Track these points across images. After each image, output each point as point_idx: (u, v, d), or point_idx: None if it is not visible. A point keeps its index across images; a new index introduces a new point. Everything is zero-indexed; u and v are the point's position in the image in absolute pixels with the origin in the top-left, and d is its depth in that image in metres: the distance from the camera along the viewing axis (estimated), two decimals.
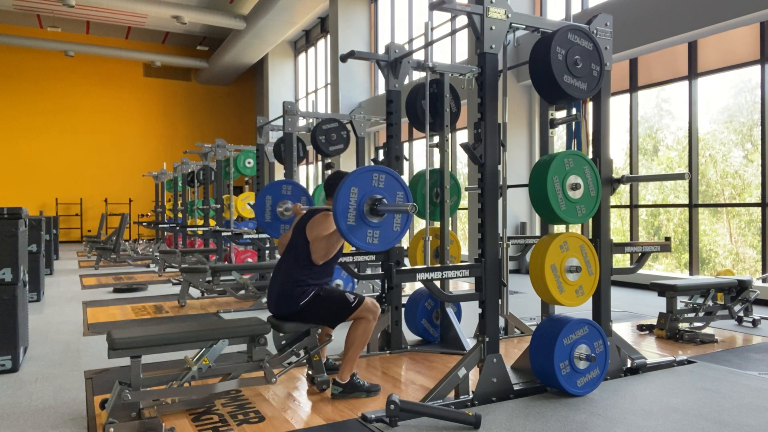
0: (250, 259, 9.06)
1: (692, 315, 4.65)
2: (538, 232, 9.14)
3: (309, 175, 17.28)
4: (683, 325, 4.65)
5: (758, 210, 6.67)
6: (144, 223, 15.26)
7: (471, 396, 3.00)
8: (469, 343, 4.14)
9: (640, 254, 3.75)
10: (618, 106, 8.16)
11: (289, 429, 2.75)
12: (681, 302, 4.76)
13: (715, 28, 6.52)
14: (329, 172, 7.06)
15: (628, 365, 3.56)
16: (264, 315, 3.34)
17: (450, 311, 4.30)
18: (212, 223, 9.90)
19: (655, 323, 4.72)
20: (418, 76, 8.95)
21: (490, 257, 3.07)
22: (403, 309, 4.30)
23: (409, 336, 4.46)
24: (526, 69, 8.68)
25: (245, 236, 6.86)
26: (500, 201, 3.20)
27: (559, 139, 3.94)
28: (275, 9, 14.23)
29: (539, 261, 3.11)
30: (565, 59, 3.10)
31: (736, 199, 7.26)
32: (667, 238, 3.82)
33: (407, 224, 3.00)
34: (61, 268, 10.69)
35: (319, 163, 15.66)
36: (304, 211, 3.44)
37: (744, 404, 3.02)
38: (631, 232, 8.02)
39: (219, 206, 9.04)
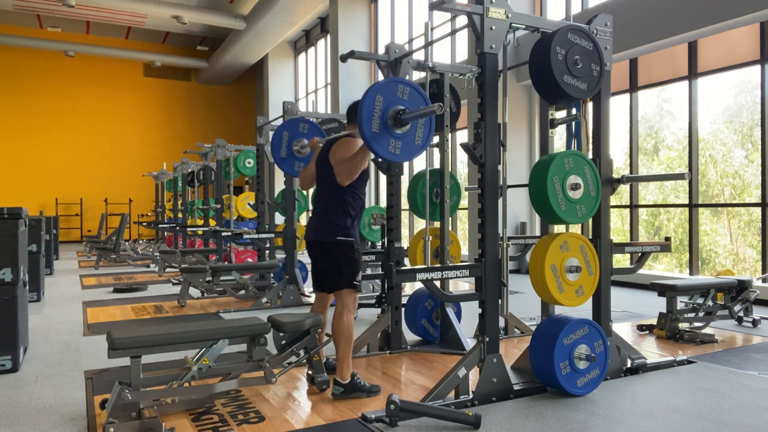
0: (250, 259, 9.07)
1: (692, 315, 4.65)
2: (538, 232, 9.14)
3: None
4: (683, 325, 4.65)
5: (758, 210, 6.67)
6: (144, 223, 15.26)
7: (471, 396, 3.00)
8: (469, 343, 4.14)
9: (640, 254, 3.75)
10: (618, 106, 8.16)
11: (289, 429, 2.75)
12: (681, 302, 4.76)
13: (715, 28, 6.52)
14: None
15: (628, 365, 3.56)
16: (264, 315, 3.34)
17: (450, 311, 4.30)
18: (212, 223, 9.90)
19: (655, 323, 4.72)
20: (418, 76, 8.93)
21: (490, 257, 3.07)
22: (403, 309, 4.30)
23: (409, 336, 4.46)
24: (526, 69, 8.67)
25: (245, 236, 6.86)
26: (500, 201, 3.20)
27: (559, 139, 3.94)
28: (275, 9, 14.23)
29: (539, 261, 3.11)
30: (565, 59, 3.10)
31: (736, 199, 7.26)
32: (667, 238, 3.82)
33: (429, 138, 3.01)
34: (61, 268, 10.69)
35: None
36: (322, 144, 3.45)
37: (744, 404, 3.02)
38: (631, 232, 8.02)
39: (219, 206, 9.04)
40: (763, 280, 6.10)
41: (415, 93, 2.95)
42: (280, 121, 8.09)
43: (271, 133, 9.91)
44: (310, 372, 3.32)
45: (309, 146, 3.82)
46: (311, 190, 6.41)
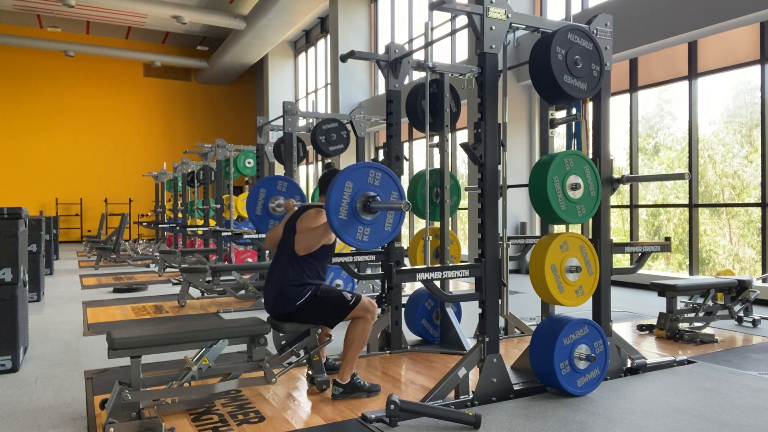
0: (250, 259, 9.06)
1: (692, 315, 4.65)
2: (538, 232, 9.14)
3: (309, 175, 17.28)
4: (683, 325, 4.65)
5: (757, 210, 6.67)
6: (144, 223, 15.26)
7: (471, 396, 3.00)
8: (469, 343, 4.14)
9: (640, 254, 3.75)
10: (618, 106, 8.16)
11: (289, 429, 2.75)
12: (681, 302, 4.76)
13: (715, 28, 6.52)
14: None
15: (628, 365, 3.56)
16: (264, 315, 3.34)
17: (450, 311, 4.30)
18: (212, 223, 9.90)
19: (655, 323, 4.71)
20: (418, 76, 8.96)
21: (490, 257, 3.07)
22: (403, 309, 4.30)
23: (409, 336, 4.46)
24: (526, 69, 8.68)
25: (245, 236, 6.86)
26: (500, 201, 3.20)
27: (559, 139, 3.94)
28: (275, 9, 14.23)
29: (539, 261, 3.11)
30: (565, 59, 3.10)
31: (735, 199, 7.26)
32: (667, 238, 3.82)
33: (399, 225, 2.99)
34: (61, 268, 10.69)
35: (319, 163, 15.66)
36: (296, 208, 3.43)
37: (744, 404, 3.02)
38: (631, 232, 8.02)
39: (219, 206, 9.03)
40: (763, 280, 6.10)
41: (386, 178, 2.92)
42: (280, 122, 8.08)
43: (271, 133, 9.94)
44: (310, 372, 3.32)
45: (284, 207, 3.82)
46: (316, 195, 6.41)
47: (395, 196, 2.96)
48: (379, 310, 3.81)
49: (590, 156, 3.49)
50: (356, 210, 2.83)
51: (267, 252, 7.32)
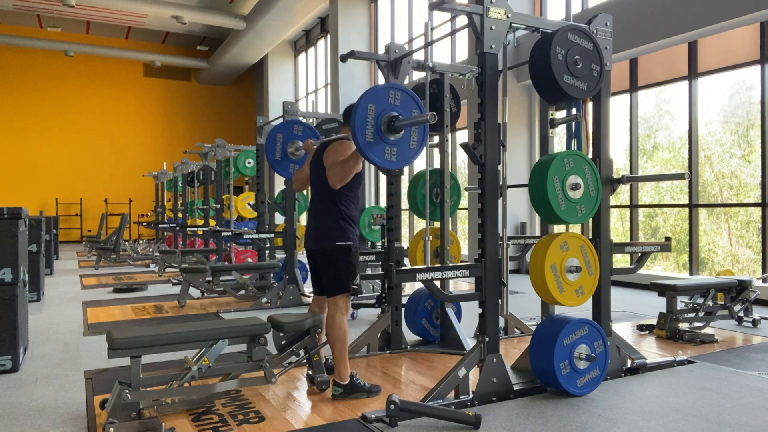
0: (250, 259, 9.06)
1: (692, 315, 4.65)
2: (538, 232, 9.14)
3: None
4: (683, 325, 4.65)
5: (757, 210, 6.67)
6: (144, 223, 15.26)
7: (471, 396, 3.00)
8: (469, 343, 4.14)
9: (640, 254, 3.75)
10: (618, 106, 8.16)
11: (289, 429, 2.75)
12: (681, 302, 4.76)
13: (715, 28, 6.52)
14: None
15: (628, 365, 3.56)
16: (264, 315, 3.34)
17: (450, 311, 4.30)
18: (212, 223, 9.90)
19: (655, 323, 4.72)
20: (418, 76, 8.95)
21: (490, 257, 3.07)
22: (403, 309, 4.30)
23: (409, 336, 4.46)
24: (526, 69, 8.66)
25: (245, 236, 6.86)
26: (500, 201, 3.20)
27: (559, 139, 3.94)
28: (275, 9, 14.23)
29: (539, 261, 3.11)
30: (565, 59, 3.10)
31: (733, 199, 7.26)
32: (668, 238, 3.82)
33: (424, 141, 3.00)
34: (61, 268, 10.69)
35: None
36: (316, 147, 3.45)
37: (744, 404, 3.02)
38: (631, 232, 8.02)
39: (219, 206, 9.04)
40: (763, 280, 6.10)
41: (407, 97, 2.93)
42: (280, 121, 8.11)
43: None
44: (310, 372, 3.32)
45: (303, 148, 3.82)
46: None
47: (416, 113, 2.96)
48: (378, 310, 3.82)
49: (590, 156, 3.49)
50: (381, 131, 2.86)
51: (267, 252, 7.32)
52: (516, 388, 3.14)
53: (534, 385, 3.22)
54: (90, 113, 19.92)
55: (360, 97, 2.85)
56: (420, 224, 9.33)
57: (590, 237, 3.51)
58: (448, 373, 3.00)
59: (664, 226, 8.06)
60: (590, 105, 3.53)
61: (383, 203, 9.92)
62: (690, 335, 4.43)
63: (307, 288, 6.71)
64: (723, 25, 6.45)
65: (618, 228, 8.43)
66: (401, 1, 12.96)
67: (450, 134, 4.10)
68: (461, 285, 8.09)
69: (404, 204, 4.43)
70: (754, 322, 4.94)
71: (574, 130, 3.65)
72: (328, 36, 15.25)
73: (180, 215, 11.99)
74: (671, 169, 7.86)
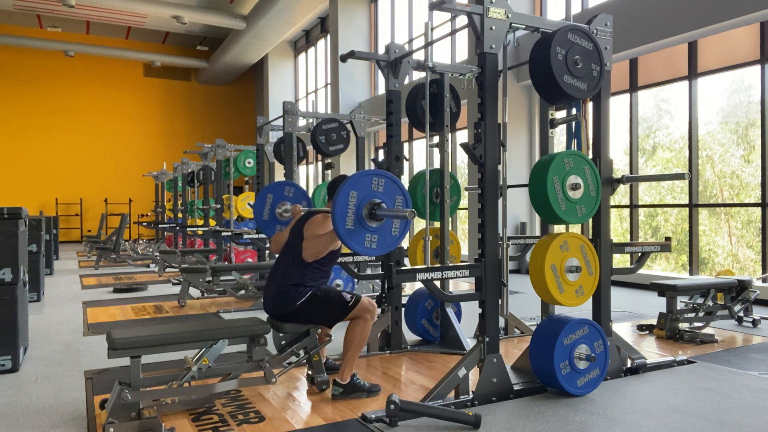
0: (250, 259, 9.06)
1: (692, 315, 4.65)
2: (538, 232, 9.14)
3: (309, 175, 17.27)
4: (683, 325, 4.65)
5: (757, 210, 6.67)
6: (144, 223, 15.26)
7: (471, 396, 3.00)
8: (469, 343, 4.14)
9: (640, 254, 3.75)
10: (618, 106, 8.16)
11: (289, 429, 2.75)
12: (681, 302, 4.76)
13: (715, 28, 6.52)
14: (329, 172, 7.07)
15: (628, 365, 3.56)
16: (264, 315, 3.34)
17: (450, 311, 4.30)
18: (212, 223, 9.90)
19: (655, 323, 4.71)
20: (418, 76, 8.98)
21: (490, 257, 3.07)
22: (403, 309, 4.30)
23: (409, 336, 4.46)
24: (526, 69, 8.67)
25: (245, 236, 6.86)
26: (500, 201, 3.20)
27: (559, 139, 3.94)
28: (275, 9, 14.23)
29: (539, 261, 3.11)
30: (565, 59, 3.10)
31: (733, 199, 7.26)
32: (668, 238, 3.82)
33: (406, 229, 2.98)
34: (61, 268, 10.69)
35: (319, 163, 15.59)
36: (303, 213, 3.43)
37: (744, 404, 3.02)
38: (631, 232, 8.02)
39: (219, 206, 9.04)
40: (763, 280, 6.10)
41: (390, 183, 2.89)
42: (280, 122, 8.10)
43: (271, 133, 9.94)
44: (310, 372, 3.32)
45: (291, 212, 3.81)
46: (317, 195, 6.41)
47: (400, 201, 2.94)
48: (379, 311, 3.81)
49: (590, 156, 3.49)
50: (362, 218, 2.81)
51: (267, 252, 7.32)
52: (516, 388, 3.14)
53: (534, 385, 3.22)
54: (90, 113, 19.92)
55: (342, 183, 2.79)
56: (420, 224, 9.34)
57: (590, 237, 3.51)
58: (448, 373, 3.00)
59: (665, 226, 8.07)
60: (590, 105, 3.53)
61: None
62: (690, 335, 4.43)
63: None
64: (723, 25, 6.45)
65: (618, 228, 8.43)
66: (401, 1, 12.96)
67: (450, 134, 4.10)
68: (461, 285, 8.09)
69: None
70: (754, 322, 4.94)
71: (574, 130, 3.65)
72: (328, 36, 15.25)
73: (180, 215, 12.00)
74: (671, 168, 7.86)
